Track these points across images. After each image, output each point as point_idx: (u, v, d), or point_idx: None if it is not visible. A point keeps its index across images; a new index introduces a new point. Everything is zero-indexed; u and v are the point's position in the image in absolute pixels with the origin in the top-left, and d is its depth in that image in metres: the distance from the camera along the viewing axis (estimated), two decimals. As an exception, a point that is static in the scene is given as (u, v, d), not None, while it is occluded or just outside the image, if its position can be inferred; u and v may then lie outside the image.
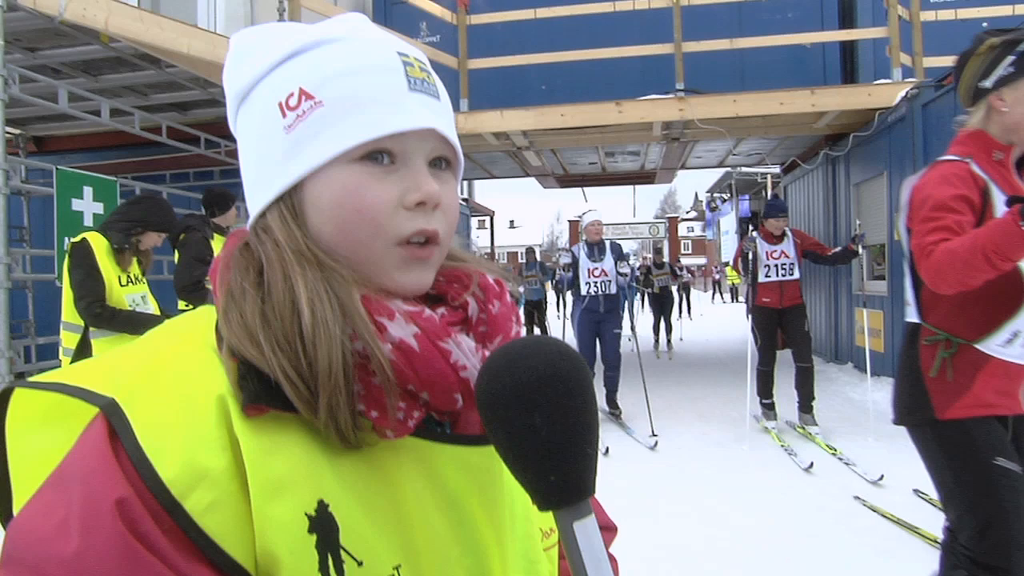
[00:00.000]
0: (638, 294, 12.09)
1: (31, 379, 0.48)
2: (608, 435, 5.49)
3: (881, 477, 4.10)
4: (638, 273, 11.25)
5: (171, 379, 0.47)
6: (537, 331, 10.95)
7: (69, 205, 4.82)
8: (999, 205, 1.72)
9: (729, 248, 27.35)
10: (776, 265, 5.51)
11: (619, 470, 4.54)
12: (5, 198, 4.03)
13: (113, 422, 0.44)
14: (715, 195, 27.55)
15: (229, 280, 0.52)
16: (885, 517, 3.57)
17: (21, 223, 6.88)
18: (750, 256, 5.58)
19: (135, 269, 3.47)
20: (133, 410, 0.45)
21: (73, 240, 3.36)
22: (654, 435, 5.39)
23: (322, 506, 0.47)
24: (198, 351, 0.50)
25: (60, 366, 1.42)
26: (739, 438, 5.17)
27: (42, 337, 6.24)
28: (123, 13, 4.46)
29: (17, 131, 7.08)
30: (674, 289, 11.73)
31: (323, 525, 0.47)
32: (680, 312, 12.21)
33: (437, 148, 0.56)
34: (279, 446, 0.47)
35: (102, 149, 7.22)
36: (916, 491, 3.90)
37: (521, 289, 10.66)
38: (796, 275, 5.51)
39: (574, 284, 6.00)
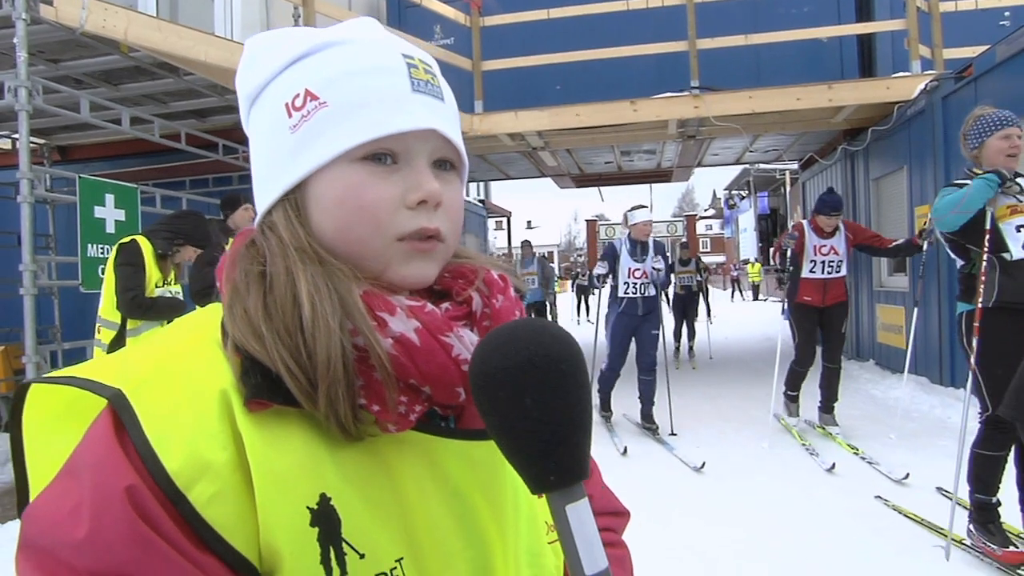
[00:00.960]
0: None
1: (46, 375, 0.50)
2: (625, 434, 5.48)
3: (906, 476, 4.04)
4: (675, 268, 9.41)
5: (176, 373, 0.49)
6: None
7: (92, 212, 4.92)
8: None
9: (748, 246, 27.13)
10: (823, 262, 5.18)
11: (635, 468, 4.53)
12: (31, 206, 4.12)
13: (120, 413, 0.46)
14: (733, 192, 27.35)
15: (235, 276, 0.53)
16: (907, 517, 3.52)
17: (47, 231, 7.01)
18: (788, 253, 5.31)
19: (170, 276, 3.63)
20: (139, 401, 0.46)
21: (122, 240, 3.49)
22: (673, 434, 5.37)
23: (324, 499, 0.48)
24: (204, 347, 0.51)
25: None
26: (760, 437, 5.13)
27: (68, 342, 6.35)
28: (142, 23, 4.53)
29: (42, 141, 7.23)
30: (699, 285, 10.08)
31: (325, 518, 0.47)
32: (707, 314, 10.87)
33: (440, 149, 0.57)
34: (281, 440, 0.48)
35: (123, 157, 7.33)
36: (939, 489, 3.84)
37: (534, 285, 10.30)
38: (843, 272, 5.21)
39: (608, 285, 5.58)
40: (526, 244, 10.80)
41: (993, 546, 2.91)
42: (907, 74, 6.68)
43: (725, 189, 29.02)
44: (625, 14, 7.55)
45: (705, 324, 10.46)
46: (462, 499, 0.54)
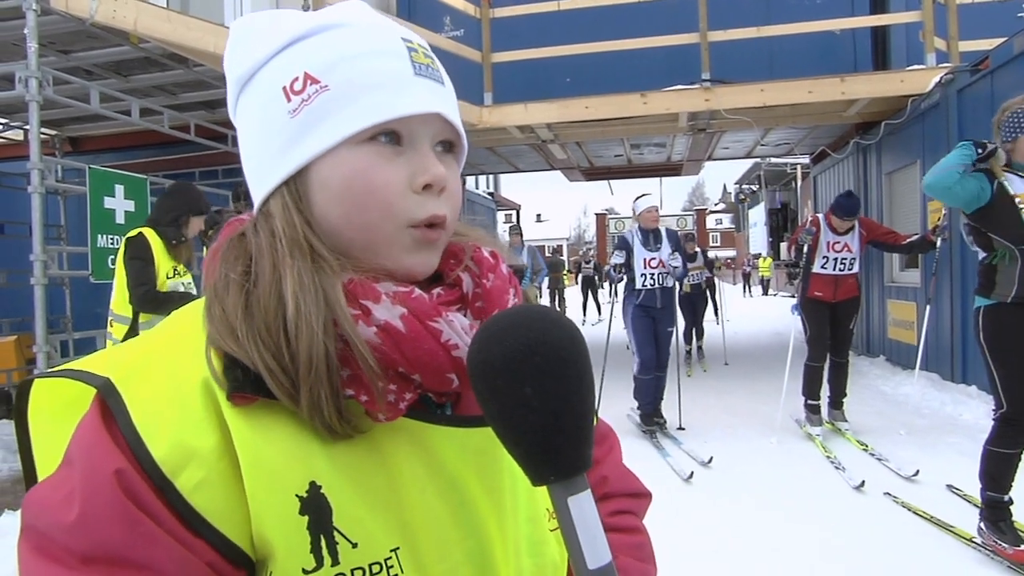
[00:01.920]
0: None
1: (46, 370, 0.51)
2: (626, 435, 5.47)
3: (916, 472, 4.01)
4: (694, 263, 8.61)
5: (163, 363, 0.49)
6: None
7: (102, 203, 4.94)
8: None
9: (758, 240, 26.97)
10: (836, 258, 5.15)
11: (642, 465, 4.52)
12: (41, 197, 4.14)
13: (108, 400, 0.46)
14: (743, 187, 27.18)
15: (215, 274, 0.53)
16: (917, 514, 3.49)
17: (58, 221, 7.07)
18: (805, 249, 5.23)
19: (180, 266, 3.65)
20: (127, 390, 0.46)
21: (129, 235, 3.51)
22: (681, 428, 5.35)
23: (314, 488, 0.47)
24: (192, 339, 0.51)
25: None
26: (768, 433, 5.11)
27: (78, 332, 6.41)
28: (151, 14, 4.54)
29: (53, 132, 7.27)
30: (708, 281, 9.55)
31: (314, 506, 0.47)
32: (715, 313, 10.40)
33: (442, 132, 0.57)
34: (269, 428, 0.48)
35: (133, 148, 7.37)
36: (950, 486, 3.81)
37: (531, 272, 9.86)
38: (855, 270, 5.17)
39: (625, 279, 5.42)
40: (514, 231, 9.08)
41: (1004, 544, 2.88)
42: (922, 67, 6.59)
43: (735, 183, 28.83)
44: (635, 6, 7.49)
45: (716, 324, 10.10)
46: (458, 488, 0.53)
